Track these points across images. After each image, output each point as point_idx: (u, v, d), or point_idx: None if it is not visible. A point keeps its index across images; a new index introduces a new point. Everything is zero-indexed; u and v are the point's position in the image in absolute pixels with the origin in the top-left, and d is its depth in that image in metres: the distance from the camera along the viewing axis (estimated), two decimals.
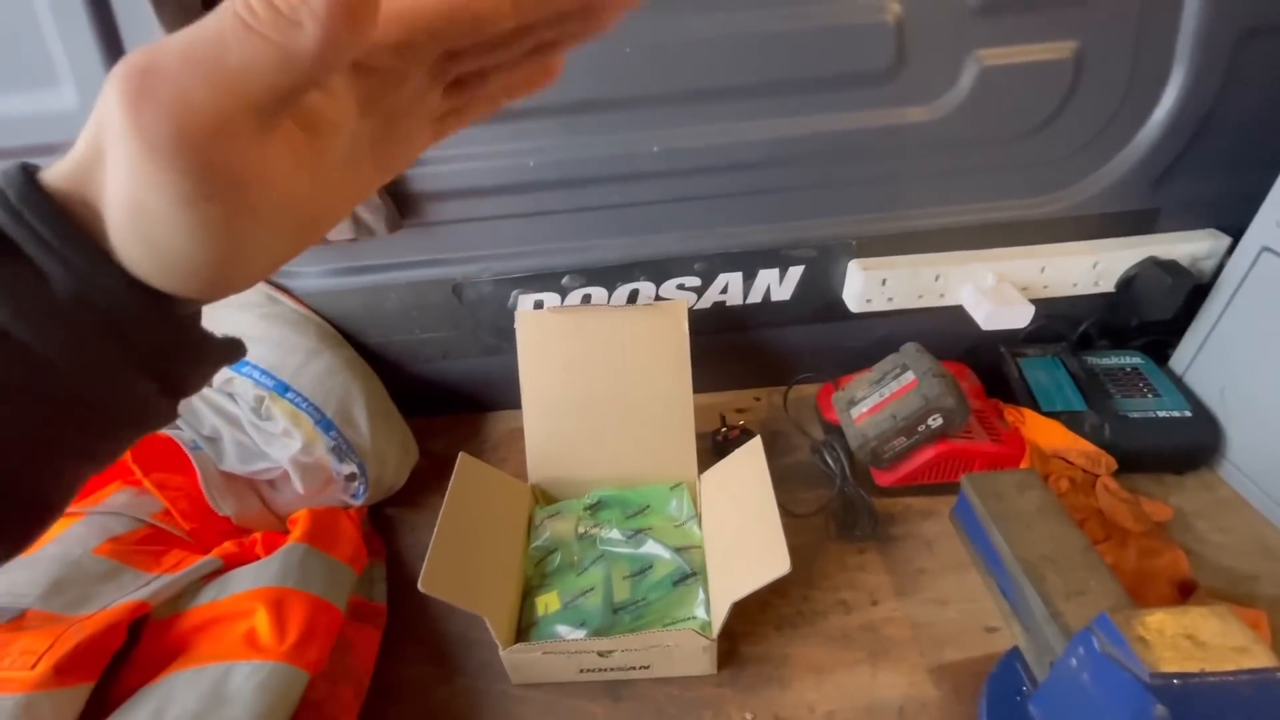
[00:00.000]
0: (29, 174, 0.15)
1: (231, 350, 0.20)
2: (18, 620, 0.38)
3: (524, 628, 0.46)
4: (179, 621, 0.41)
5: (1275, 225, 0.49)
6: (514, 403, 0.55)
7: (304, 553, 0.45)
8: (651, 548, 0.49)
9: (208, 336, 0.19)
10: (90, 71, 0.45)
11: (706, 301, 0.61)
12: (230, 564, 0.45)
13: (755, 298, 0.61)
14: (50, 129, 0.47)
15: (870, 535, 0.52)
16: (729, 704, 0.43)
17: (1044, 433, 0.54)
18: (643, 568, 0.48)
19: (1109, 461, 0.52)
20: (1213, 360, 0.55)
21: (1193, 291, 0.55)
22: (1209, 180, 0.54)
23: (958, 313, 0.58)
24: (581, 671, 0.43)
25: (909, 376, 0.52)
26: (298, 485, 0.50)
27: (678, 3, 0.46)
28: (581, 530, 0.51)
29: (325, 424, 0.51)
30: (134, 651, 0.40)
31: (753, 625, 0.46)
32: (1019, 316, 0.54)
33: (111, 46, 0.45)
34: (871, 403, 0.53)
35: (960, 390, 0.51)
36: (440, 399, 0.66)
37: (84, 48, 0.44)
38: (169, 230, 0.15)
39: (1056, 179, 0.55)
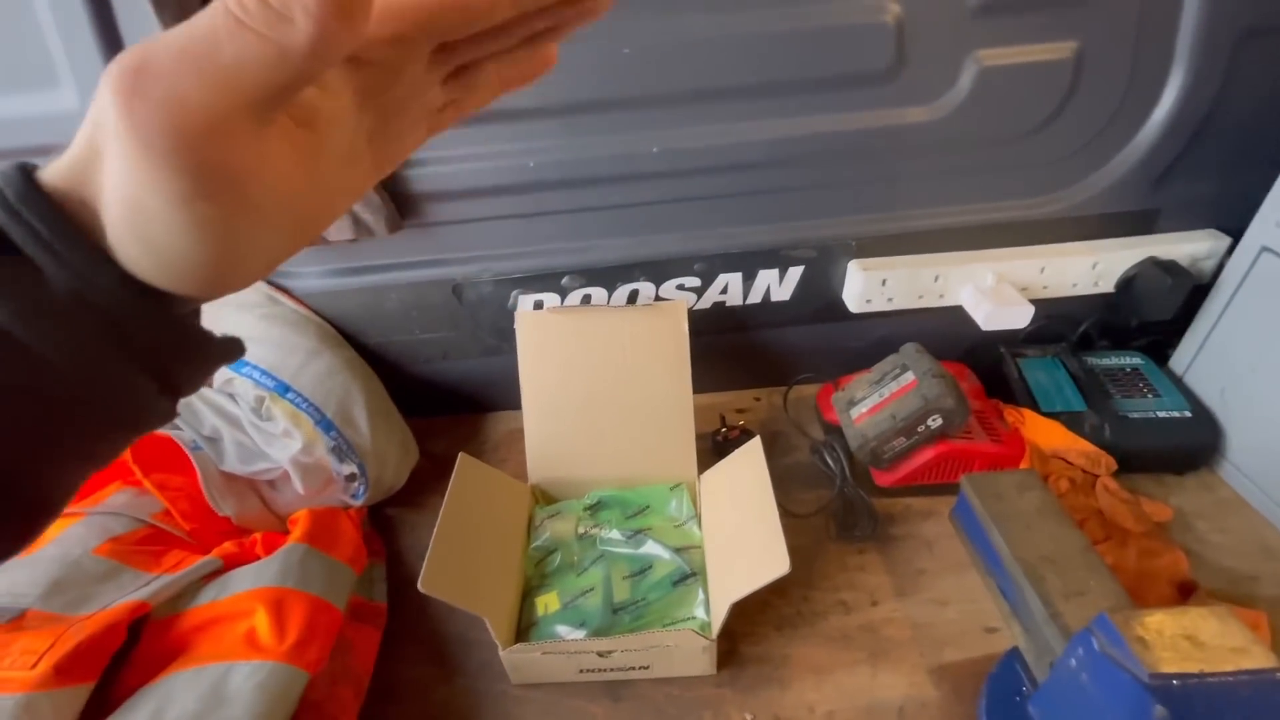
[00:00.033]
0: (27, 174, 0.15)
1: (230, 349, 0.20)
2: (18, 620, 0.38)
3: (524, 628, 0.46)
4: (179, 621, 0.41)
5: (1275, 225, 0.49)
6: (514, 403, 0.55)
7: (304, 553, 0.45)
8: (651, 548, 0.49)
9: (206, 335, 0.19)
10: (91, 72, 0.45)
11: (706, 302, 0.61)
12: (230, 564, 0.45)
13: (755, 298, 0.61)
14: (51, 130, 0.47)
15: (870, 536, 0.51)
16: (728, 704, 0.43)
17: (1044, 433, 0.54)
18: (642, 568, 0.48)
19: (1109, 462, 0.52)
20: (1213, 360, 0.55)
21: (1193, 292, 0.55)
22: (1209, 180, 0.54)
23: (957, 313, 0.58)
24: (581, 672, 0.43)
25: (909, 377, 0.52)
26: (298, 485, 0.50)
27: (678, 3, 0.46)
28: (581, 530, 0.51)
29: (325, 424, 0.51)
30: (134, 651, 0.40)
31: (752, 625, 0.46)
32: (1019, 317, 0.54)
33: (112, 47, 0.45)
34: (871, 403, 0.53)
35: (960, 391, 0.51)
36: (440, 399, 0.66)
37: (84, 48, 0.45)
38: (166, 229, 0.15)
39: (1056, 179, 0.55)
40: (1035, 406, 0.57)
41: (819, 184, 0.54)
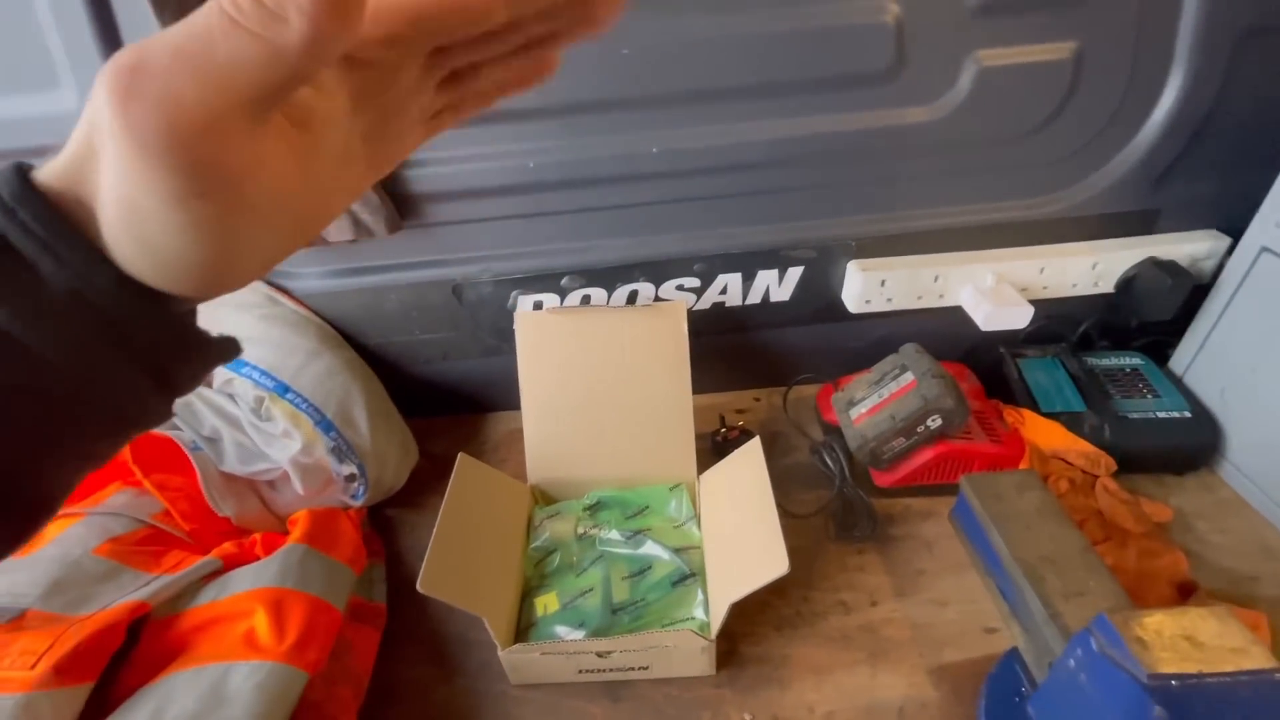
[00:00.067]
0: (23, 174, 0.15)
1: (226, 349, 0.20)
2: (18, 620, 0.38)
3: (523, 628, 0.46)
4: (178, 622, 0.41)
5: (1275, 226, 0.49)
6: (514, 404, 0.55)
7: (303, 553, 0.45)
8: (650, 548, 0.49)
9: (203, 335, 0.19)
10: (91, 73, 0.45)
11: (706, 302, 0.61)
12: (230, 564, 0.45)
13: (754, 298, 0.61)
14: (51, 130, 0.47)
15: (869, 536, 0.51)
16: (728, 705, 0.43)
17: (1043, 433, 0.54)
18: (642, 568, 0.48)
19: (1108, 462, 0.52)
20: (1213, 361, 0.55)
21: (1192, 292, 0.55)
22: (1208, 181, 0.54)
23: (957, 313, 0.58)
24: (580, 672, 0.43)
25: (908, 377, 0.52)
26: (297, 486, 0.50)
27: (677, 3, 0.46)
28: (581, 531, 0.51)
29: (325, 425, 0.52)
30: (133, 652, 0.40)
31: (752, 626, 0.46)
32: (1018, 317, 0.54)
33: (112, 48, 0.45)
34: (871, 403, 0.53)
35: (959, 391, 0.51)
36: (440, 400, 0.66)
37: (85, 50, 0.45)
38: (162, 228, 0.15)
39: (1056, 179, 0.55)
40: (1035, 407, 0.57)
41: (818, 184, 0.54)
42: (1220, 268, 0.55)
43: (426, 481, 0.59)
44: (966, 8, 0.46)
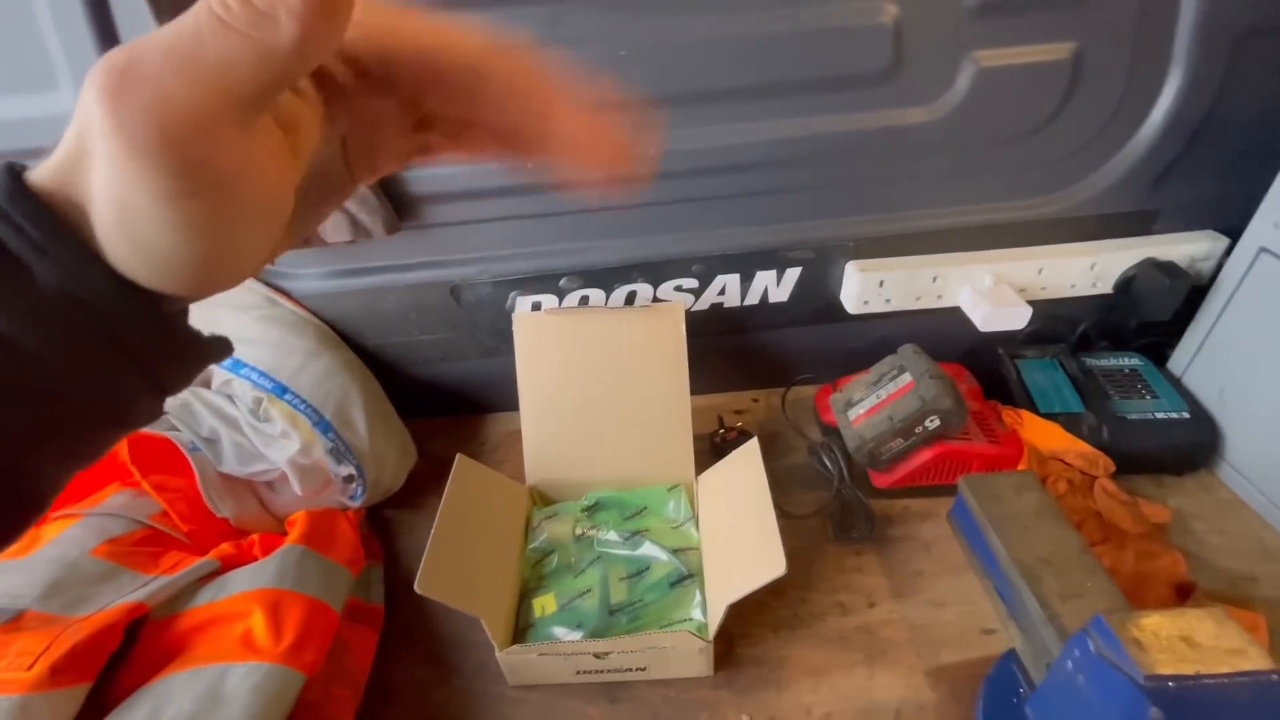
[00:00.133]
0: (15, 174, 0.16)
1: (218, 348, 0.20)
2: (15, 621, 0.38)
3: (521, 629, 0.46)
4: (176, 623, 0.41)
5: (1273, 227, 0.49)
6: (512, 404, 0.55)
7: (301, 554, 0.45)
8: (648, 549, 0.49)
9: (194, 334, 0.19)
10: None
11: (704, 303, 0.61)
12: (228, 565, 0.45)
13: (753, 299, 0.61)
14: (50, 131, 0.47)
15: (868, 537, 0.51)
16: (725, 706, 0.42)
17: (1042, 434, 0.54)
18: (640, 569, 0.48)
19: (1107, 463, 0.52)
20: (1211, 361, 0.55)
21: (1191, 293, 0.55)
22: (1207, 181, 0.54)
23: (956, 314, 0.58)
24: (578, 673, 0.43)
25: (906, 378, 0.52)
26: (296, 487, 0.50)
27: (675, 4, 0.46)
28: (579, 532, 0.51)
29: (323, 426, 0.52)
30: (131, 652, 0.40)
31: (749, 627, 0.46)
32: (1017, 318, 0.54)
33: (111, 49, 0.45)
34: (869, 404, 0.53)
35: (957, 392, 0.51)
36: (438, 401, 0.66)
37: (83, 51, 0.45)
38: (154, 228, 0.15)
39: (1054, 180, 0.55)
40: (1033, 408, 0.57)
41: (816, 185, 0.54)
42: (1219, 268, 0.55)
43: (425, 482, 0.59)
44: (964, 8, 0.46)
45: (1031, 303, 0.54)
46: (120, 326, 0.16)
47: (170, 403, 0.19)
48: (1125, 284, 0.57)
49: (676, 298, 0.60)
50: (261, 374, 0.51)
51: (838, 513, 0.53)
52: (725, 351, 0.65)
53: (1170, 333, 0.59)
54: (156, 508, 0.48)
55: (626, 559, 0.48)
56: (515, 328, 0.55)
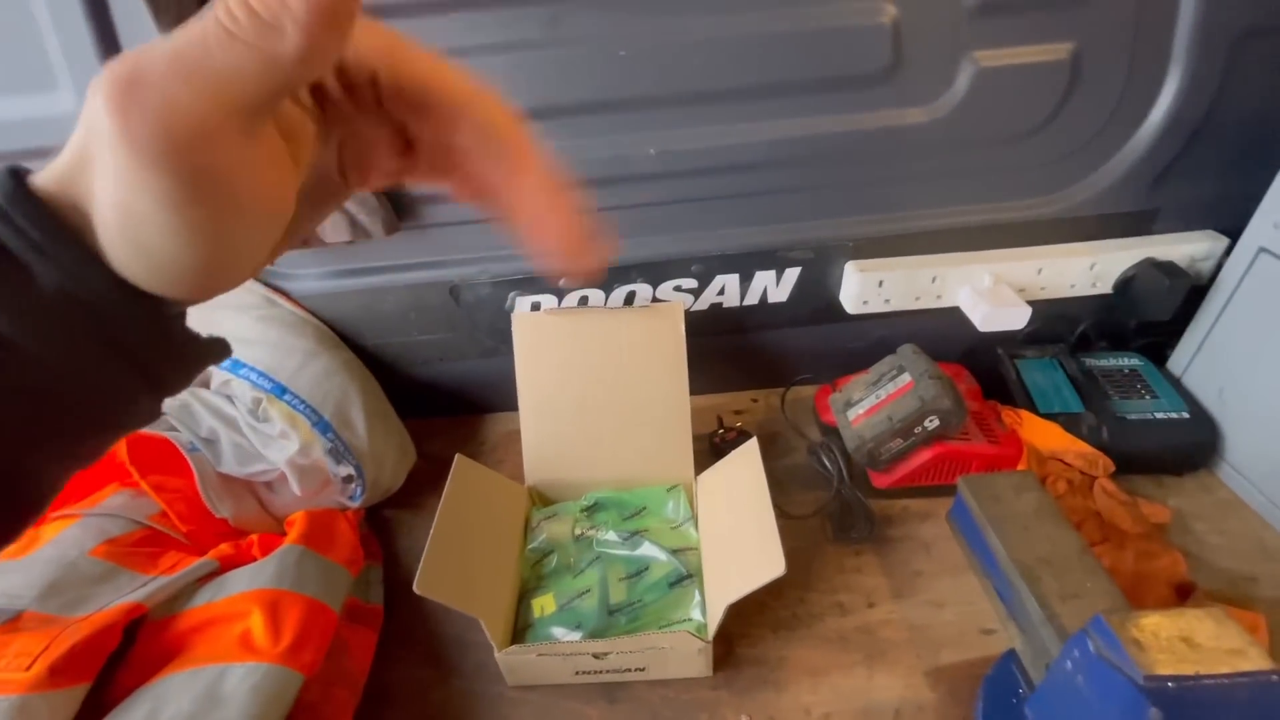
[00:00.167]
0: (17, 177, 0.16)
1: (216, 350, 0.20)
2: (13, 622, 0.38)
3: (520, 629, 0.46)
4: (175, 623, 0.41)
5: (1273, 227, 0.49)
6: (511, 405, 0.55)
7: (300, 555, 0.45)
8: (648, 549, 0.49)
9: (193, 336, 0.19)
10: (89, 75, 0.45)
11: (703, 303, 0.61)
12: (227, 566, 0.45)
13: (752, 299, 0.61)
14: (49, 132, 0.47)
15: (867, 537, 0.51)
16: (725, 706, 0.42)
17: (1041, 434, 0.54)
18: (639, 569, 0.48)
19: (1106, 463, 0.52)
20: (1211, 361, 0.55)
21: (1191, 293, 0.55)
22: (1207, 181, 0.54)
23: (955, 314, 0.58)
24: (577, 673, 0.43)
25: (905, 378, 0.52)
26: (295, 487, 0.50)
27: (673, 4, 0.46)
28: (578, 532, 0.51)
29: (322, 426, 0.51)
30: (130, 653, 0.40)
31: (749, 627, 0.46)
32: (1016, 318, 0.54)
33: (110, 51, 0.45)
34: (868, 404, 0.53)
35: (957, 392, 0.51)
36: (437, 401, 0.66)
37: (83, 52, 0.45)
38: (157, 232, 0.15)
39: (1053, 180, 0.55)
40: (1033, 408, 0.57)
41: (816, 185, 0.54)
42: (1218, 268, 0.55)
43: (424, 483, 0.59)
44: (963, 8, 0.46)
45: (1031, 303, 0.54)
46: (120, 328, 0.17)
47: (169, 403, 0.20)
48: (1125, 284, 0.57)
49: (676, 298, 0.60)
50: (260, 374, 0.51)
51: (837, 513, 0.53)
52: (724, 351, 0.65)
53: (1170, 333, 0.59)
54: (155, 508, 0.48)
55: (626, 559, 0.48)
56: (514, 328, 0.55)
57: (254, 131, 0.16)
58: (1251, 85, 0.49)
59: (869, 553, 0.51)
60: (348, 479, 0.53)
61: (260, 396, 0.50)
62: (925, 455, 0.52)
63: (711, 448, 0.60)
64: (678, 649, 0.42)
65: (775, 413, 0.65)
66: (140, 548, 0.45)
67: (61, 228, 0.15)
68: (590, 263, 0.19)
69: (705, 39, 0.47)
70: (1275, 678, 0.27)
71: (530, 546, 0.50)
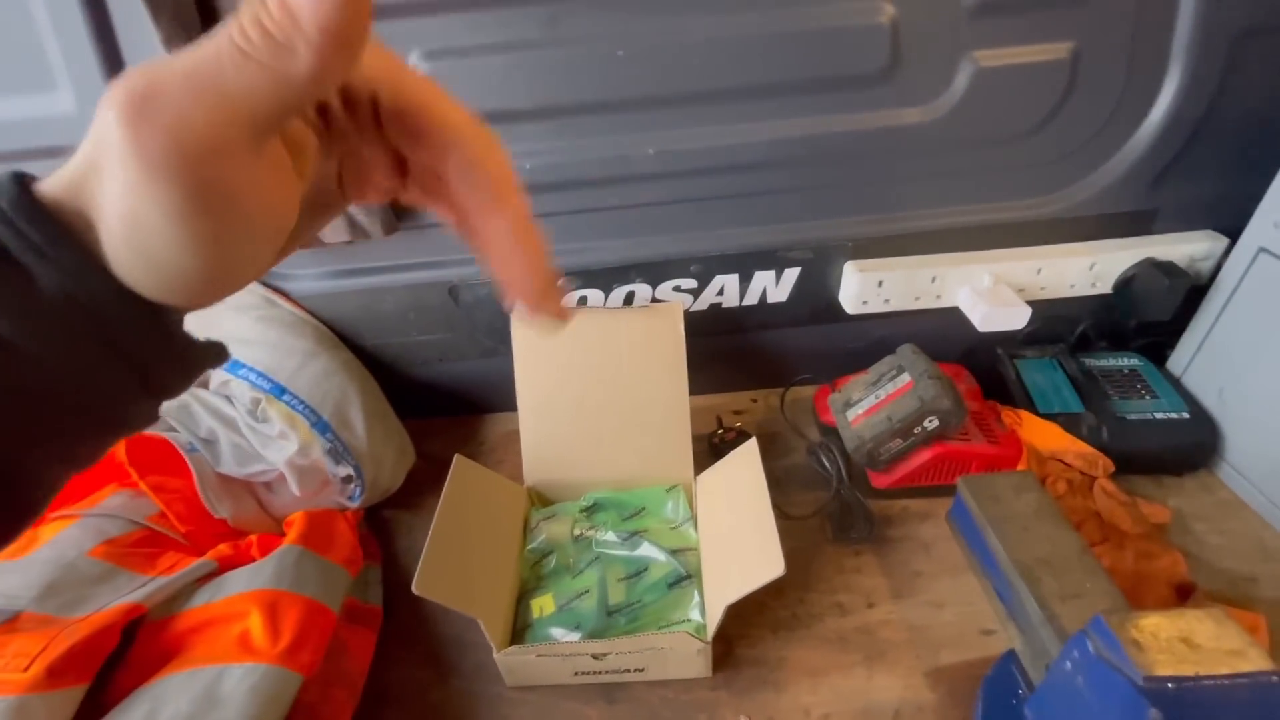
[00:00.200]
0: (22, 182, 0.16)
1: (214, 354, 0.20)
2: (11, 623, 0.38)
3: (519, 630, 0.46)
4: (173, 624, 0.41)
5: (1273, 226, 0.49)
6: (510, 405, 0.55)
7: (299, 555, 0.45)
8: (647, 550, 0.48)
9: (191, 340, 0.19)
10: (88, 76, 0.45)
11: (703, 303, 0.61)
12: (225, 566, 0.45)
13: (751, 299, 0.61)
14: (48, 133, 0.47)
15: (866, 538, 0.51)
16: (724, 707, 0.42)
17: (1041, 435, 0.54)
18: (638, 570, 0.48)
19: (1106, 463, 0.52)
20: (1211, 361, 0.55)
21: (1190, 293, 0.55)
22: (1206, 181, 0.54)
23: (955, 314, 0.57)
24: (576, 674, 0.43)
25: (905, 378, 0.52)
26: (294, 487, 0.50)
27: (672, 5, 0.46)
28: (577, 532, 0.51)
29: (321, 426, 0.51)
30: (128, 654, 0.40)
31: (748, 628, 0.46)
32: (1015, 318, 0.54)
33: (109, 51, 0.45)
34: (868, 405, 0.53)
35: (956, 392, 0.51)
36: (437, 401, 0.66)
37: (81, 52, 0.45)
38: (163, 242, 0.16)
39: (1053, 180, 0.55)
40: (1033, 408, 0.56)
41: (815, 185, 0.54)
42: (1218, 268, 0.55)
43: (423, 483, 0.59)
44: (962, 8, 0.46)
45: (1031, 303, 0.54)
46: (119, 332, 0.17)
47: (168, 403, 0.20)
48: (1124, 284, 0.57)
49: (675, 298, 0.60)
50: (260, 374, 0.51)
51: (836, 513, 0.53)
52: (724, 352, 0.65)
53: (1170, 333, 0.59)
54: (154, 508, 0.48)
55: (625, 560, 0.48)
56: (513, 328, 0.55)
57: (262, 146, 0.16)
58: (1251, 85, 0.49)
59: (868, 553, 0.51)
60: (347, 479, 0.53)
61: (259, 397, 0.50)
62: (925, 455, 0.52)
63: (711, 448, 0.60)
64: (677, 649, 0.42)
65: (774, 413, 0.65)
66: (139, 548, 0.45)
67: (65, 233, 0.16)
68: (549, 310, 0.20)
69: (704, 39, 0.47)
70: (1275, 678, 0.27)
71: (529, 547, 0.50)
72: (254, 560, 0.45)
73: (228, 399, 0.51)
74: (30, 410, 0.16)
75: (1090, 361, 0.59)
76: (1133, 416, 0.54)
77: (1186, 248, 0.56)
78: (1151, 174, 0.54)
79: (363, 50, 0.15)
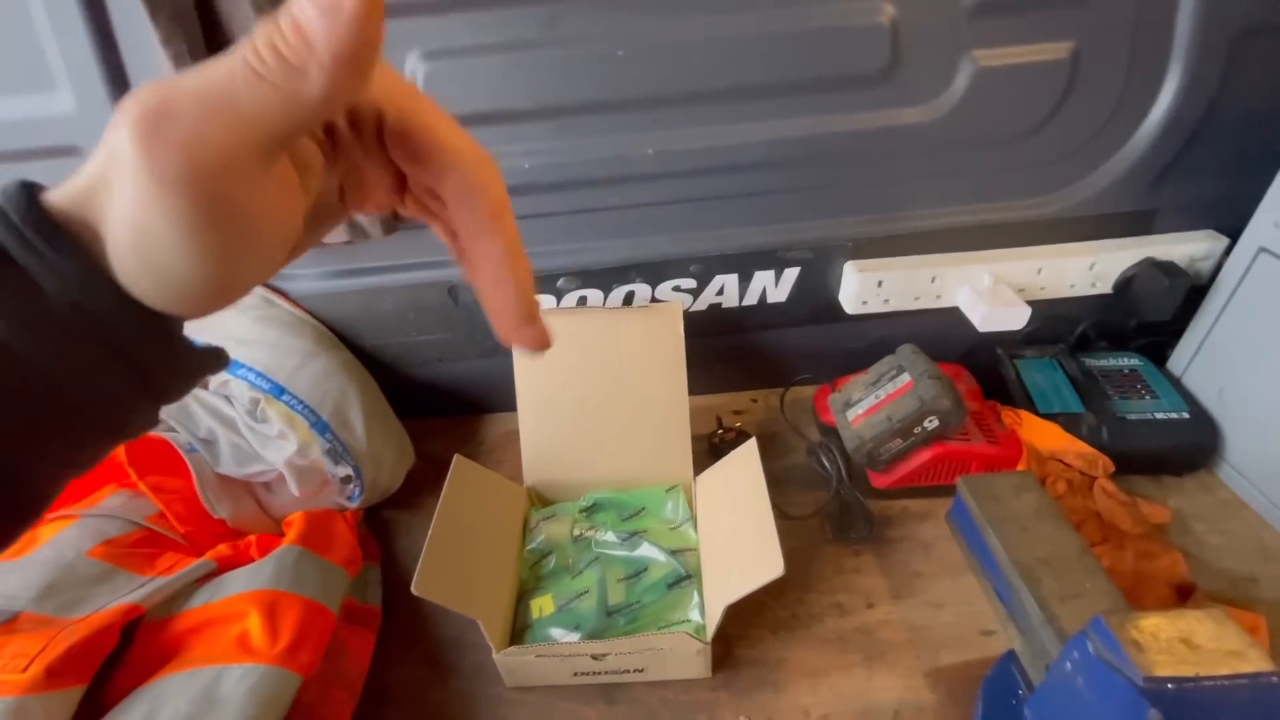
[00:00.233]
0: (30, 192, 0.16)
1: (215, 361, 0.20)
2: (10, 623, 0.38)
3: (518, 630, 0.46)
4: (172, 624, 0.41)
5: (1273, 226, 0.49)
6: (510, 405, 0.55)
7: (298, 555, 0.45)
8: (646, 550, 0.48)
9: (191, 347, 0.20)
10: (87, 76, 0.45)
11: (702, 303, 0.61)
12: (224, 566, 0.45)
13: (751, 299, 0.61)
14: (48, 133, 0.47)
15: (866, 538, 0.51)
16: (723, 707, 0.42)
17: (1041, 435, 0.54)
18: (637, 570, 0.47)
19: (1106, 463, 0.52)
20: (1211, 361, 0.55)
21: (1190, 292, 0.55)
22: (1206, 181, 0.54)
23: (955, 314, 0.57)
24: (575, 675, 0.43)
25: (905, 378, 0.52)
26: (293, 488, 0.50)
27: (671, 5, 0.46)
28: (577, 533, 0.51)
29: (321, 426, 0.51)
30: (127, 654, 0.40)
31: (748, 628, 0.46)
32: (1015, 318, 0.54)
33: (108, 52, 0.45)
34: (867, 405, 0.53)
35: (956, 392, 0.51)
36: (436, 401, 0.66)
37: (80, 52, 0.45)
38: (170, 253, 0.16)
39: (1053, 180, 0.55)
40: (1033, 408, 0.56)
41: (814, 185, 0.54)
42: (1218, 268, 0.55)
43: (422, 483, 0.59)
44: (962, 8, 0.46)
45: (1030, 303, 0.54)
46: (121, 338, 0.17)
47: None
48: (1124, 284, 0.57)
49: (675, 298, 0.60)
50: (259, 375, 0.51)
51: (836, 513, 0.53)
52: (723, 352, 0.65)
53: (1170, 332, 0.59)
54: (153, 509, 0.48)
55: (624, 560, 0.48)
56: None
57: (271, 164, 0.16)
58: (1251, 85, 0.49)
59: (868, 553, 0.51)
60: (346, 479, 0.53)
61: (258, 397, 0.50)
62: (925, 455, 0.52)
63: (710, 448, 0.60)
64: (676, 650, 0.42)
65: (774, 413, 0.65)
66: (138, 549, 0.45)
67: (70, 242, 0.16)
68: (529, 338, 0.21)
69: (704, 39, 0.47)
70: (1275, 679, 0.27)
71: (529, 547, 0.50)
72: (253, 561, 0.45)
73: (227, 399, 0.51)
74: (32, 414, 0.17)
75: (1090, 361, 0.59)
76: (1133, 416, 0.54)
77: (1186, 248, 0.56)
78: (1151, 174, 0.54)
79: (372, 73, 0.16)
